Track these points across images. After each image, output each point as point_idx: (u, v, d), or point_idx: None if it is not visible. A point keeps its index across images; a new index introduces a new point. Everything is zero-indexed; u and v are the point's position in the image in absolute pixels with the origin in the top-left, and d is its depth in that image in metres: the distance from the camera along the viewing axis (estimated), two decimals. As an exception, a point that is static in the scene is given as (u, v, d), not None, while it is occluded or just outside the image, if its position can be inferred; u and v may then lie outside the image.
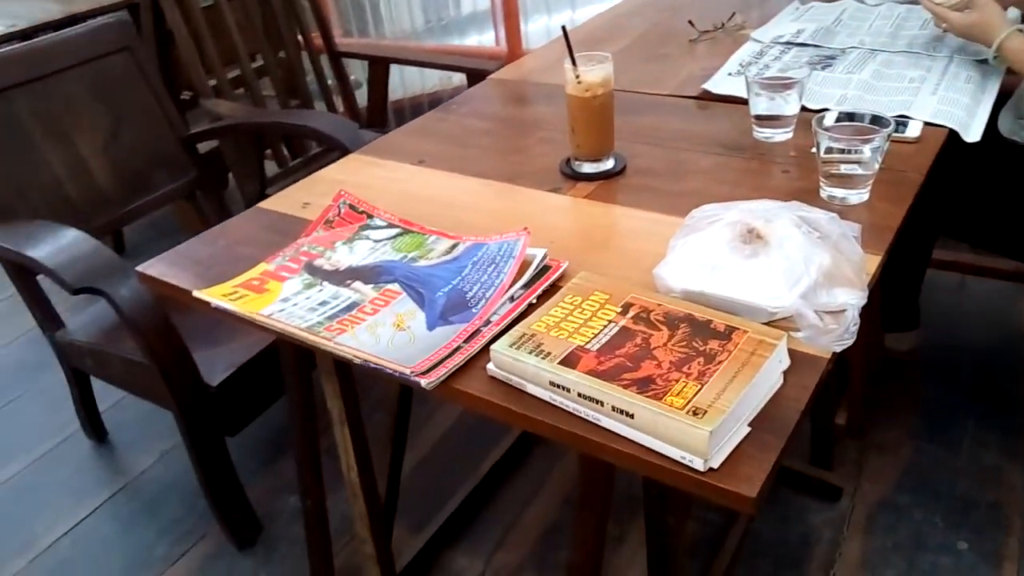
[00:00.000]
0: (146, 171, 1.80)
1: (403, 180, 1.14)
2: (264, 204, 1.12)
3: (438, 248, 0.93)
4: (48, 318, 1.59)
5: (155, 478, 1.67)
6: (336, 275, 0.90)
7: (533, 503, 1.54)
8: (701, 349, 0.69)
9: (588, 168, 1.09)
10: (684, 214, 0.86)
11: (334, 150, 1.71)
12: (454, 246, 0.93)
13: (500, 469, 1.61)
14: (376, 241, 0.96)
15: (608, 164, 1.09)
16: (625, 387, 0.66)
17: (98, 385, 1.68)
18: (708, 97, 1.29)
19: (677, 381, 0.66)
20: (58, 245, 1.32)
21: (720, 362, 0.68)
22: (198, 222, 1.93)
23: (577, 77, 1.02)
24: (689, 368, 0.67)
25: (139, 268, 0.99)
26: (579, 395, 0.67)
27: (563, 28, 1.03)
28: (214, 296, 0.87)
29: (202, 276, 0.94)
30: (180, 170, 1.86)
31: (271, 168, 2.28)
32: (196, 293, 0.88)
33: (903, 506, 1.45)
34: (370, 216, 1.00)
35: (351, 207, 1.02)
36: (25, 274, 1.54)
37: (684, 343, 0.70)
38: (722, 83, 1.32)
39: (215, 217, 1.90)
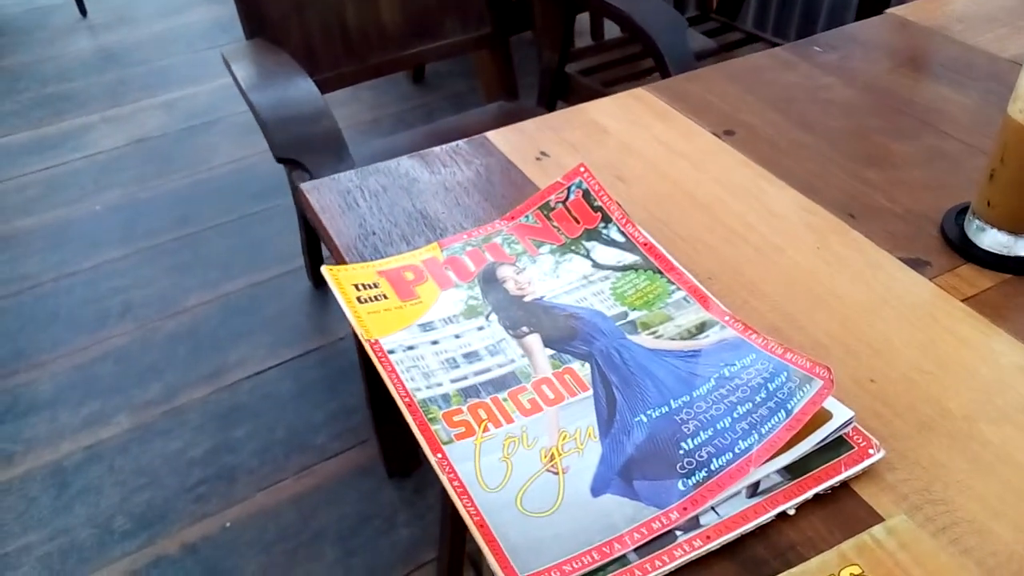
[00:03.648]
0: (436, 15, 1.56)
1: (684, 158, 0.77)
2: (491, 134, 0.81)
3: (680, 317, 0.57)
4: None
5: (349, 349, 1.57)
6: (515, 308, 0.59)
7: None
8: None
9: (996, 242, 0.63)
10: None
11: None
12: (704, 325, 0.57)
13: None
14: (597, 266, 0.62)
15: (1032, 247, 0.63)
16: None
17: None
18: None
19: None
20: (281, 99, 1.12)
21: None
22: (492, 73, 1.69)
23: (1045, 96, 0.56)
24: None
25: (303, 187, 0.75)
26: None
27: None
28: (342, 287, 0.61)
29: (370, 225, 0.68)
30: (475, 20, 1.59)
31: (584, 40, 1.94)
32: (325, 270, 0.62)
33: None
34: (607, 219, 0.66)
35: (585, 195, 0.67)
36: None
37: None
38: None
39: (505, 80, 1.64)
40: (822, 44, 0.95)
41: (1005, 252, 0.63)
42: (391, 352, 0.55)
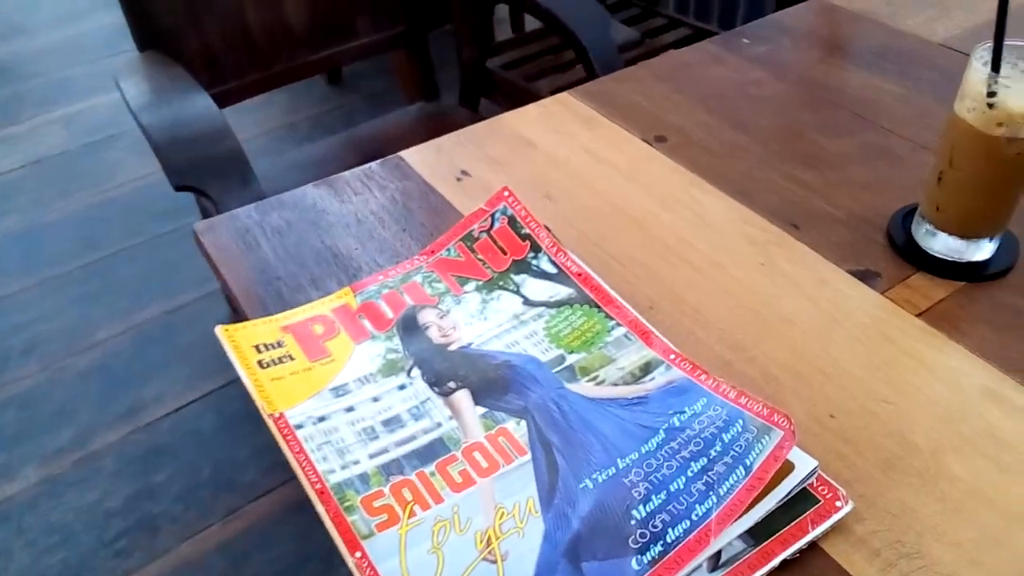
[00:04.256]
0: (347, 14, 1.47)
1: (614, 169, 0.71)
2: (406, 153, 0.74)
3: (622, 357, 0.52)
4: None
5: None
6: (440, 359, 0.53)
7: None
8: None
9: (948, 248, 0.59)
10: None
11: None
12: (649, 366, 0.51)
13: None
14: (529, 303, 0.57)
15: (986, 249, 0.59)
16: None
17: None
18: None
19: None
20: (176, 119, 1.02)
21: None
22: (410, 73, 1.61)
23: (991, 97, 0.52)
24: None
25: (196, 227, 0.67)
26: None
27: (1003, -8, 0.51)
28: (240, 351, 0.53)
29: (273, 268, 0.61)
30: (388, 19, 1.51)
31: (505, 31, 1.88)
32: (219, 332, 0.54)
33: None
34: (536, 248, 0.60)
35: (511, 222, 0.61)
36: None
37: None
38: None
39: (424, 79, 1.56)
40: (750, 35, 0.91)
41: (957, 258, 0.59)
42: (299, 427, 0.48)
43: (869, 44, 0.88)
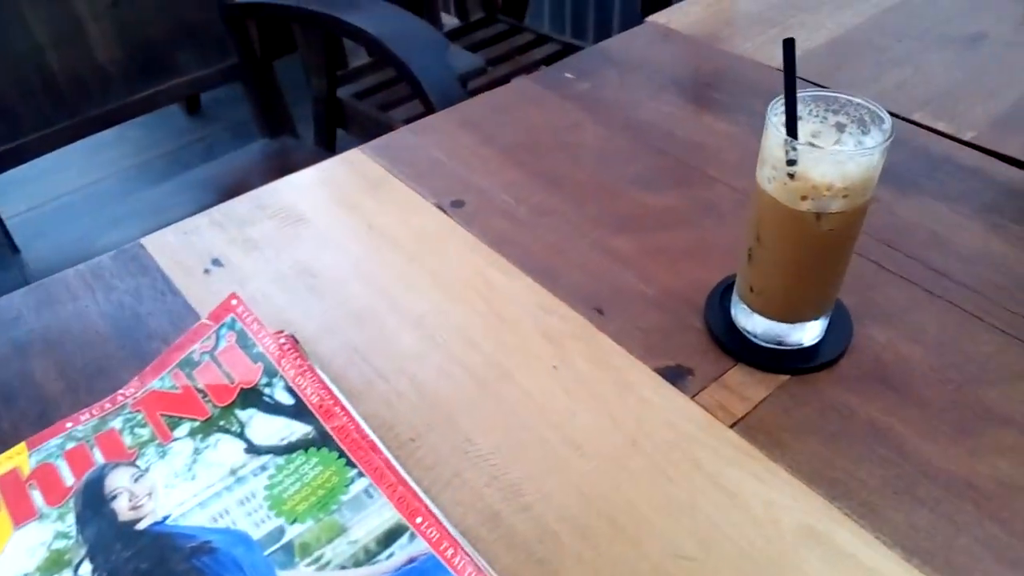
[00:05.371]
0: (166, 49, 1.32)
1: (397, 248, 0.60)
2: (148, 240, 0.61)
3: (357, 525, 0.41)
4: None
5: None
6: (121, 546, 0.40)
7: None
8: None
9: (767, 334, 0.50)
10: None
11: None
12: (391, 535, 0.40)
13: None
14: (253, 450, 0.45)
15: (811, 331, 0.50)
16: None
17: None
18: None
19: None
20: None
21: None
22: (255, 107, 1.47)
23: (791, 165, 0.42)
24: None
25: None
26: None
27: (786, 43, 0.41)
28: None
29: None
30: (215, 51, 1.36)
31: (361, 55, 1.75)
32: None
33: None
34: (271, 372, 0.48)
35: (240, 338, 0.49)
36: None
37: None
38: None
39: (269, 112, 1.42)
40: (574, 69, 0.81)
41: (777, 346, 0.50)
42: None
43: (702, 74, 0.79)
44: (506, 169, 0.67)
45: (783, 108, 0.43)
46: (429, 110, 1.03)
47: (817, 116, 0.45)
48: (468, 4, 1.80)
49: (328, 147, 1.60)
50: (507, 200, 0.64)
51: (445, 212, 0.63)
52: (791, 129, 0.42)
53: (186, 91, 1.38)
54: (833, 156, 0.43)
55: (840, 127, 0.45)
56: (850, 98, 0.44)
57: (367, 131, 1.58)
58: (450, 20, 1.87)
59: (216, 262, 0.59)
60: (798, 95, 0.44)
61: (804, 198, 0.43)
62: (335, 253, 0.59)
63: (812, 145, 0.43)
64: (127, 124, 1.35)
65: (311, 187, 0.66)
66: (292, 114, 1.44)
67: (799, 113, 0.45)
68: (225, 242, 0.61)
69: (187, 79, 1.35)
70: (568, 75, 0.79)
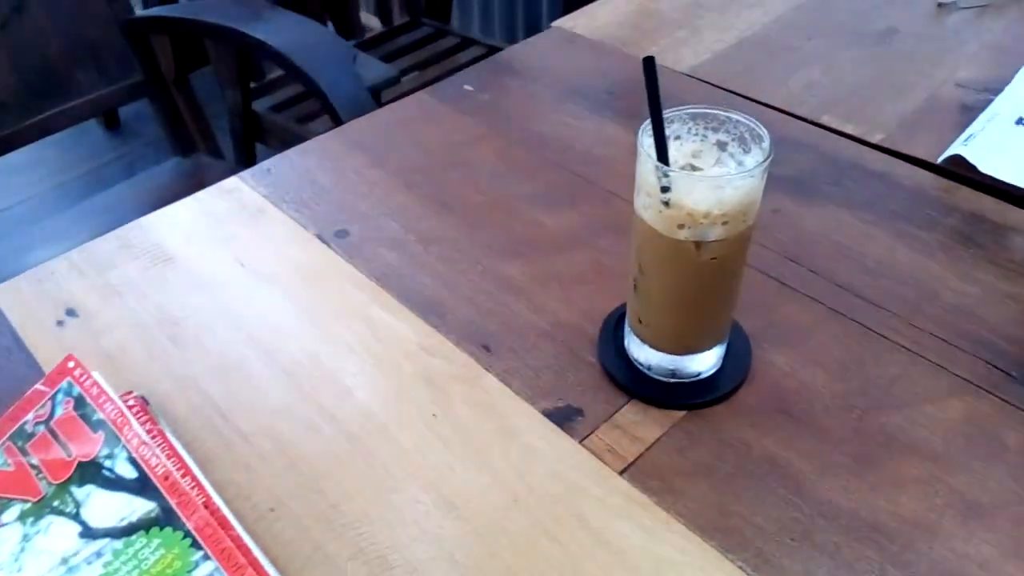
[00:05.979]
0: (63, 68, 1.25)
1: (271, 285, 0.55)
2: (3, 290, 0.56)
3: (203, 616, 0.36)
4: None
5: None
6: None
7: None
8: None
9: (659, 367, 0.47)
10: None
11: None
12: (237, 628, 0.36)
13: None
14: (88, 533, 0.40)
15: (706, 361, 0.47)
16: None
17: None
18: (967, 171, 0.62)
19: None
20: None
21: None
22: (166, 123, 1.40)
23: (665, 192, 0.39)
24: None
25: None
26: None
27: (646, 61, 0.38)
28: None
29: None
30: (117, 68, 1.29)
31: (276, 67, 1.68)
32: None
33: None
34: (113, 441, 0.43)
35: (79, 404, 0.44)
36: None
37: None
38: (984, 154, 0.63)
39: (181, 128, 1.35)
40: (473, 80, 0.77)
41: (672, 379, 0.47)
42: None
43: (604, 81, 0.76)
44: (395, 193, 0.63)
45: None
46: (337, 123, 0.98)
47: (697, 135, 0.42)
48: (391, 7, 1.75)
49: (248, 163, 1.54)
50: (394, 228, 0.60)
51: (327, 244, 0.58)
52: (661, 154, 0.39)
53: (88, 112, 1.30)
54: (709, 181, 0.39)
55: (721, 145, 0.42)
56: (729, 115, 0.41)
57: (286, 144, 1.51)
58: (373, 21, 1.81)
59: (71, 312, 0.54)
60: (677, 112, 0.41)
61: (681, 226, 0.40)
62: (202, 296, 0.54)
63: (686, 169, 0.40)
64: (41, 143, 1.27)
65: (183, 221, 0.61)
66: (215, 130, 1.37)
67: (678, 132, 0.41)
68: (84, 289, 0.56)
69: (88, 99, 1.28)
70: (467, 87, 0.75)
